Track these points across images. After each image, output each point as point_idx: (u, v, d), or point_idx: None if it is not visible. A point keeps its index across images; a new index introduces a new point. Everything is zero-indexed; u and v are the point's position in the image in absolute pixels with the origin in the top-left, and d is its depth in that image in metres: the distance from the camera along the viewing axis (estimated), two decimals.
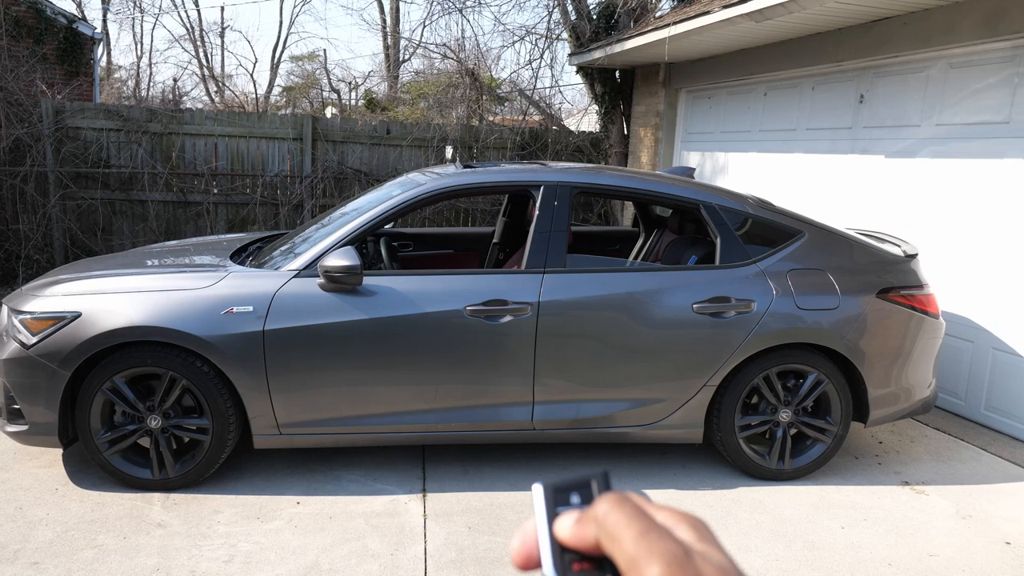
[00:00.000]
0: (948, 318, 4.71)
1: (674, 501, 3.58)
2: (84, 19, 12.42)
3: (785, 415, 3.77)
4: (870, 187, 5.56)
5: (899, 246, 4.16)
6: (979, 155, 4.69)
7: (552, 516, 0.46)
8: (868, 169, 5.58)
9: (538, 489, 0.47)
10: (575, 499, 0.47)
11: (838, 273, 3.79)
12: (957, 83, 4.85)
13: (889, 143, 5.39)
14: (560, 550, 0.45)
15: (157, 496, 3.45)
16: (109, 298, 3.39)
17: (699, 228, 4.37)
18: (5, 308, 3.58)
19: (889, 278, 3.86)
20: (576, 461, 3.99)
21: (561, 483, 0.48)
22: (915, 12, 4.99)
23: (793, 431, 3.81)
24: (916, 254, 4.06)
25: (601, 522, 0.44)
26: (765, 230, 3.88)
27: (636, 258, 5.03)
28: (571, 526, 0.45)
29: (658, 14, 8.43)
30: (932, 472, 4.03)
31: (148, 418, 3.43)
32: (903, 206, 5.28)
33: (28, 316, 3.39)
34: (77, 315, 3.33)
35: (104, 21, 20.79)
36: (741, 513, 3.49)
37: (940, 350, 4.04)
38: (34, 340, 3.33)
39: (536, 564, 0.46)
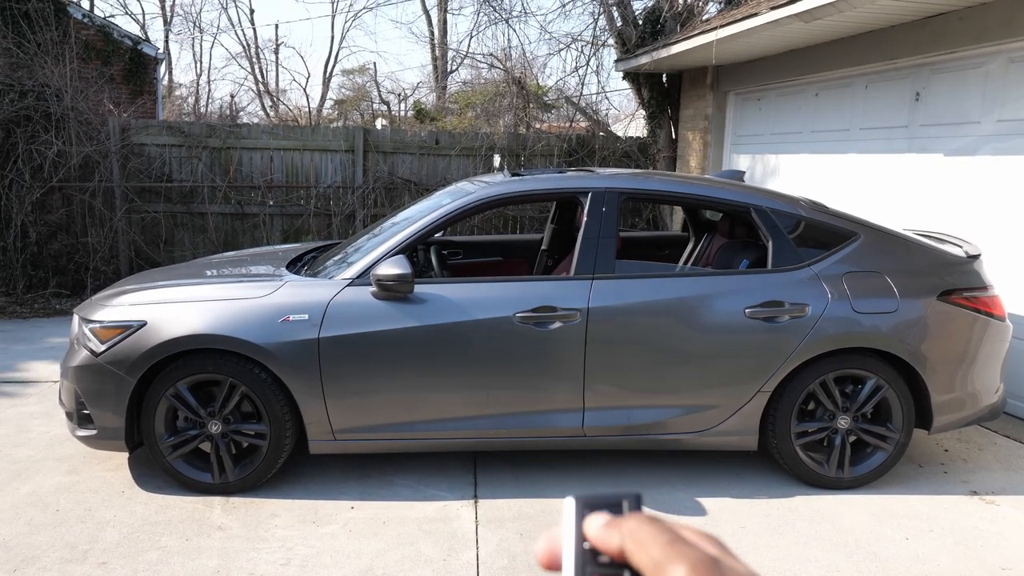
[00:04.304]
0: (1015, 320, 4.52)
1: (729, 510, 3.53)
2: (148, 40, 12.93)
3: (843, 421, 3.67)
4: (928, 186, 5.39)
5: (960, 247, 4.02)
6: None
7: (580, 530, 0.48)
8: (926, 168, 5.41)
9: (569, 502, 0.49)
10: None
11: (896, 275, 3.69)
12: (1019, 77, 4.67)
13: (947, 141, 5.22)
14: (583, 562, 0.47)
15: (217, 499, 3.55)
16: (173, 307, 3.52)
17: (750, 232, 4.30)
18: (76, 317, 3.75)
19: (951, 280, 3.73)
20: (627, 468, 3.96)
21: (593, 499, 0.49)
22: (972, 7, 4.83)
23: (852, 438, 3.71)
24: (979, 255, 3.92)
25: (628, 531, 0.46)
26: (818, 233, 3.80)
27: (686, 263, 4.97)
28: (600, 526, 0.47)
29: (704, 17, 8.35)
30: (1002, 481, 3.87)
31: (209, 423, 3.54)
32: (964, 205, 5.10)
33: (97, 325, 3.54)
34: (143, 324, 3.47)
35: (166, 41, 21.62)
36: (799, 522, 3.42)
37: (1008, 354, 3.89)
38: (103, 348, 3.48)
39: (559, 566, 0.48)
